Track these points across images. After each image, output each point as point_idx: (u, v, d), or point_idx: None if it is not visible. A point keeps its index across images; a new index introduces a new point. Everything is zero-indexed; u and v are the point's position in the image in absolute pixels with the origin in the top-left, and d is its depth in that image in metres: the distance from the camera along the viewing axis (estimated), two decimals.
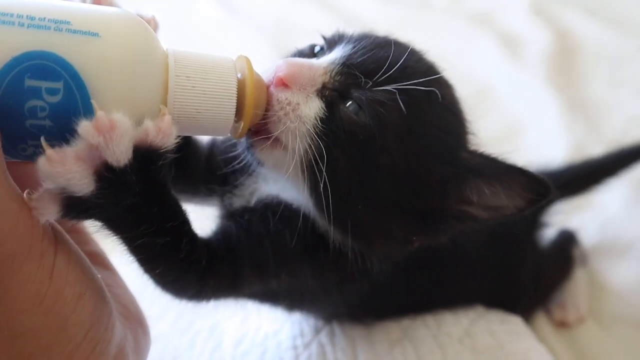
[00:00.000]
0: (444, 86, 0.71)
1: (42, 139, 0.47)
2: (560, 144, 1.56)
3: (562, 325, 1.12)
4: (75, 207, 0.50)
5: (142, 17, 0.54)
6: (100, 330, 0.52)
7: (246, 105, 0.57)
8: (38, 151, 0.49)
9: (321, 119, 0.64)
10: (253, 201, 0.76)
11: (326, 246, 0.70)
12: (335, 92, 0.65)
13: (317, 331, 0.98)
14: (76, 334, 0.50)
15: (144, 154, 0.51)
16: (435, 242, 0.72)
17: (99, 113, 0.47)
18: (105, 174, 0.49)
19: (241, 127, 0.59)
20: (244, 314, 1.03)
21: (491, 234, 0.98)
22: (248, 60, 0.59)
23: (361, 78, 0.65)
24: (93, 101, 0.48)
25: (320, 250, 0.71)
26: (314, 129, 0.63)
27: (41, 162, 0.47)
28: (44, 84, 0.47)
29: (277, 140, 0.64)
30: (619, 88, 1.79)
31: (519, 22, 2.11)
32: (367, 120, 0.64)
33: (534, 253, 1.13)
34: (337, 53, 0.68)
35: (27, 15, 0.47)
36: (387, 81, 0.64)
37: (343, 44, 0.70)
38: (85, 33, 0.48)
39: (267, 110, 0.63)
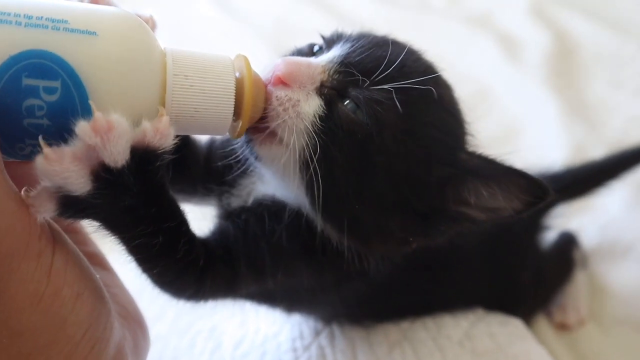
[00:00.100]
0: (442, 86, 0.71)
1: (40, 137, 0.47)
2: (560, 145, 1.56)
3: (562, 327, 1.12)
4: (71, 206, 0.50)
5: (140, 17, 0.54)
6: (99, 329, 0.52)
7: (244, 104, 0.57)
8: (36, 150, 0.49)
9: (320, 117, 0.64)
10: (250, 201, 0.76)
11: (323, 246, 0.70)
12: (333, 90, 0.65)
13: (316, 333, 0.98)
14: (74, 334, 0.50)
15: (142, 155, 0.51)
16: (432, 243, 0.72)
17: (97, 114, 0.47)
18: (102, 174, 0.50)
19: (239, 126, 0.59)
20: (243, 316, 1.03)
21: (491, 236, 0.98)
22: (246, 59, 0.59)
23: (359, 77, 0.65)
24: (91, 102, 0.48)
25: (317, 250, 0.71)
26: (313, 126, 0.63)
27: (39, 160, 0.47)
28: (42, 83, 0.47)
29: (274, 134, 0.64)
30: (618, 89, 1.79)
31: (517, 23, 2.11)
32: (364, 119, 0.64)
33: (535, 255, 1.12)
34: (335, 52, 0.68)
35: (24, 14, 0.47)
36: (385, 80, 0.64)
37: (341, 43, 0.70)
38: (82, 32, 0.48)
39: (265, 109, 0.63)
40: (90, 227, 0.55)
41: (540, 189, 0.64)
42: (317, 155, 0.63)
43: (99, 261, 0.66)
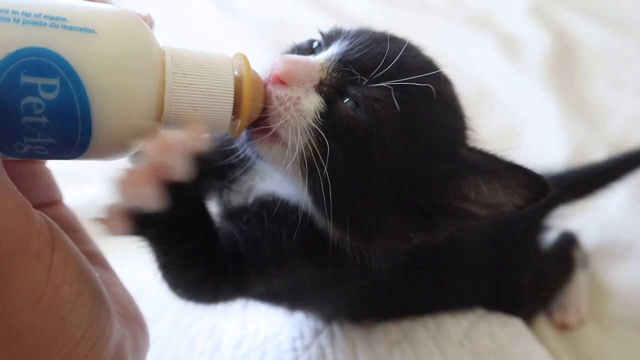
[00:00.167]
0: (442, 82, 0.71)
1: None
2: (560, 145, 1.56)
3: (562, 327, 1.11)
4: (142, 223, 0.54)
5: (138, 15, 0.54)
6: (99, 329, 0.52)
7: (244, 102, 0.57)
8: (34, 149, 0.49)
9: (321, 114, 0.64)
10: (250, 199, 0.76)
11: (324, 243, 0.70)
12: (332, 88, 0.65)
13: (317, 333, 0.98)
14: (74, 333, 0.50)
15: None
16: (433, 239, 0.72)
17: (168, 135, 0.50)
18: (173, 188, 0.53)
19: (239, 125, 0.59)
20: (243, 316, 1.03)
21: (492, 235, 0.98)
22: (245, 58, 0.58)
23: (357, 75, 0.65)
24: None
25: (318, 248, 0.71)
26: (314, 123, 0.63)
27: (121, 184, 0.50)
28: (40, 81, 0.46)
29: (276, 134, 0.64)
30: (618, 88, 1.79)
31: (518, 23, 2.11)
32: (364, 117, 0.64)
33: (535, 255, 1.12)
34: (334, 49, 0.68)
35: (22, 12, 0.47)
36: (384, 78, 0.64)
37: (340, 40, 0.70)
38: (81, 29, 0.48)
39: (264, 107, 0.62)
40: (137, 242, 0.59)
41: (541, 185, 0.64)
42: (319, 153, 0.63)
43: (98, 260, 0.65)
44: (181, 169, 0.52)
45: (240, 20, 2.18)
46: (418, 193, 0.67)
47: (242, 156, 0.71)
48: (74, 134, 0.49)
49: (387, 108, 0.64)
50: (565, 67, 1.88)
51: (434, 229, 0.70)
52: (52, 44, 0.47)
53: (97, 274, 0.55)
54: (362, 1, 2.29)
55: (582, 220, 1.32)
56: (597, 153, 1.49)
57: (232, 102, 0.56)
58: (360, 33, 0.71)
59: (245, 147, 0.69)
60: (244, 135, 0.66)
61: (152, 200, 0.52)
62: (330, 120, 0.64)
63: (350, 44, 0.68)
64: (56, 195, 0.66)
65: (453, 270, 0.97)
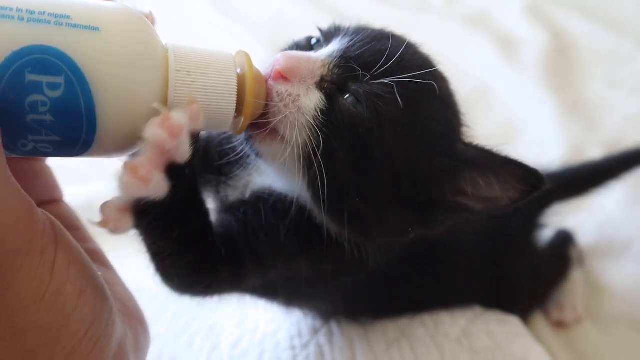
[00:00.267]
0: (439, 79, 0.71)
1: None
2: (557, 144, 1.57)
3: (559, 325, 1.12)
4: (143, 213, 0.53)
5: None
6: (101, 327, 0.52)
7: (246, 100, 0.57)
8: (38, 147, 0.49)
9: (321, 111, 0.64)
10: (248, 193, 0.76)
11: (322, 237, 0.70)
12: (333, 85, 0.66)
13: (315, 331, 0.98)
14: (77, 331, 0.50)
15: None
16: (430, 234, 0.73)
17: (172, 115, 0.50)
18: (174, 171, 0.53)
19: (241, 122, 0.59)
20: (241, 314, 1.03)
21: (489, 233, 0.98)
22: (247, 56, 0.59)
23: (359, 71, 0.65)
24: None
25: (316, 242, 0.71)
26: (314, 120, 0.64)
27: (125, 178, 0.50)
28: (45, 79, 0.46)
29: (275, 131, 0.64)
30: (615, 88, 1.79)
31: (514, 22, 2.11)
32: (365, 113, 0.64)
33: (532, 253, 1.13)
34: (335, 46, 0.68)
35: (26, 10, 0.47)
36: (384, 74, 0.64)
37: (340, 37, 0.70)
38: (85, 27, 0.48)
39: (266, 104, 0.63)
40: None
41: (536, 179, 0.65)
42: (319, 150, 0.63)
43: (99, 258, 0.65)
44: (184, 150, 0.52)
45: (237, 19, 2.18)
46: (417, 188, 0.68)
47: (240, 154, 0.71)
48: (79, 132, 0.49)
49: (388, 104, 0.64)
50: (562, 66, 1.89)
51: (431, 223, 0.71)
52: (56, 42, 0.47)
53: (99, 272, 0.55)
54: (359, 1, 2.29)
55: (579, 218, 1.33)
56: (594, 152, 1.49)
57: (235, 99, 0.56)
58: (360, 30, 0.71)
59: (244, 145, 0.69)
60: (243, 134, 0.67)
61: (158, 187, 0.52)
62: (331, 117, 0.64)
63: (351, 40, 0.68)
64: (57, 193, 0.66)
65: (450, 268, 0.97)
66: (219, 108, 0.56)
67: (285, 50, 0.73)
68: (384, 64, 0.65)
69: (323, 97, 0.65)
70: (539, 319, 1.14)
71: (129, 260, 0.64)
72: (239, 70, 0.57)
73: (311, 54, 0.68)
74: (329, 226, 0.70)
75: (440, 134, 0.69)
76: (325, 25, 0.75)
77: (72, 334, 0.50)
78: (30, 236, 0.46)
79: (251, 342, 0.98)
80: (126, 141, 0.52)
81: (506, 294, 1.05)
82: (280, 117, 0.63)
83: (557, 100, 1.72)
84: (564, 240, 1.23)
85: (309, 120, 0.64)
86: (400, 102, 0.64)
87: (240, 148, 0.70)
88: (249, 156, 0.71)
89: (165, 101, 0.52)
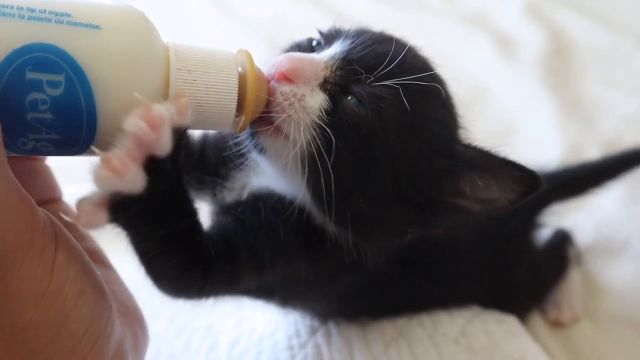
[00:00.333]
0: (438, 81, 0.72)
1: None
2: (555, 143, 1.57)
3: (557, 324, 1.12)
4: (119, 209, 0.51)
5: None
6: (101, 326, 0.52)
7: (247, 99, 0.57)
8: (38, 145, 0.49)
9: (325, 111, 0.64)
10: (245, 195, 0.76)
11: (321, 238, 0.71)
12: (336, 86, 0.66)
13: (313, 332, 0.98)
14: (77, 330, 0.50)
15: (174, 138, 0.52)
16: (429, 234, 0.73)
17: (153, 107, 0.48)
18: (152, 166, 0.51)
19: (242, 121, 0.59)
20: (239, 315, 1.03)
21: (487, 233, 0.99)
22: (249, 54, 0.59)
23: (361, 73, 0.65)
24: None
25: (315, 243, 0.72)
26: (319, 120, 0.64)
27: (99, 170, 0.48)
28: (45, 77, 0.46)
29: (279, 129, 0.64)
30: (613, 87, 1.80)
31: (513, 21, 2.12)
32: (368, 114, 0.64)
33: (529, 253, 1.13)
34: (337, 48, 0.69)
35: (27, 7, 0.46)
36: (386, 76, 0.65)
37: (342, 39, 0.70)
38: (86, 25, 0.48)
39: (268, 103, 0.63)
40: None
41: (533, 179, 0.66)
42: (323, 150, 0.63)
43: (99, 258, 0.65)
44: (164, 144, 0.50)
45: (236, 19, 2.17)
46: (417, 188, 0.68)
47: (242, 151, 0.71)
48: (79, 130, 0.49)
49: (390, 105, 0.65)
50: (560, 65, 1.89)
51: (430, 223, 0.71)
52: (57, 40, 0.47)
53: (98, 272, 0.55)
54: (358, 0, 2.29)
55: (577, 218, 1.33)
56: (592, 151, 1.50)
57: (237, 98, 0.56)
58: (361, 32, 0.71)
59: (247, 141, 0.69)
60: (246, 130, 0.66)
61: (134, 181, 0.50)
62: (335, 117, 0.64)
63: (353, 42, 0.68)
64: (56, 192, 0.66)
65: (448, 268, 0.98)
66: (220, 106, 0.56)
67: (287, 51, 0.73)
68: (385, 66, 0.65)
69: (327, 98, 0.65)
70: (536, 319, 1.14)
71: (126, 260, 0.64)
72: (240, 69, 0.57)
73: (314, 55, 0.68)
74: (329, 227, 0.70)
75: (439, 135, 0.70)
76: (325, 27, 0.75)
77: (72, 333, 0.49)
78: (30, 235, 0.46)
79: (249, 342, 0.98)
80: None
81: (504, 293, 1.06)
82: (284, 115, 0.63)
83: (555, 100, 1.72)
84: (562, 239, 1.24)
85: (313, 120, 0.64)
86: (404, 103, 0.64)
87: (244, 144, 0.70)
88: (250, 154, 0.71)
89: (166, 99, 0.52)
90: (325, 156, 0.63)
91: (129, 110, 0.49)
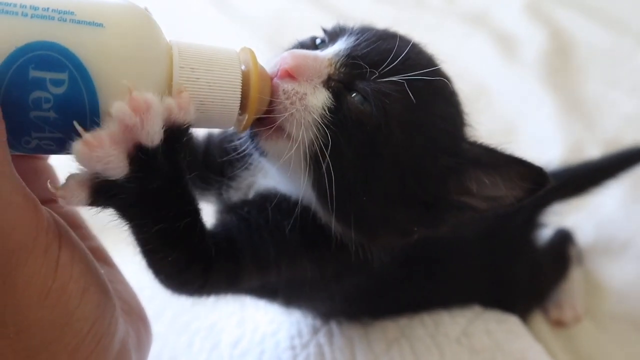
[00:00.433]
0: (443, 77, 0.72)
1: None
2: (555, 143, 1.57)
3: (558, 324, 1.12)
4: (102, 194, 0.51)
5: None
6: (104, 324, 0.52)
7: (251, 97, 0.57)
8: (42, 144, 0.49)
9: (329, 109, 0.64)
10: (251, 194, 0.76)
11: (326, 238, 0.70)
12: (340, 83, 0.66)
13: (315, 331, 0.98)
14: (81, 329, 0.50)
15: (170, 132, 0.52)
16: (435, 233, 0.73)
17: (136, 93, 0.48)
18: (139, 155, 0.50)
19: (245, 119, 0.59)
20: (241, 314, 1.03)
21: (488, 233, 0.98)
22: (252, 52, 0.58)
23: (366, 70, 0.65)
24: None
25: (320, 243, 0.71)
26: (321, 118, 0.64)
27: (77, 146, 0.47)
28: (49, 75, 0.46)
29: (281, 129, 0.64)
30: (613, 87, 1.79)
31: (514, 21, 2.12)
32: (373, 111, 0.64)
33: (531, 252, 1.13)
34: (341, 45, 0.68)
35: (30, 5, 0.46)
36: (391, 73, 0.65)
37: (345, 36, 0.70)
38: (89, 23, 0.48)
39: (271, 101, 0.62)
40: (108, 216, 0.55)
41: (540, 176, 0.66)
42: (326, 148, 0.63)
43: (101, 256, 0.65)
44: (151, 132, 0.50)
45: (236, 18, 2.17)
46: (422, 186, 0.68)
47: (244, 153, 0.71)
48: (83, 129, 0.49)
49: (395, 102, 0.64)
50: (561, 65, 1.89)
51: (436, 222, 0.71)
52: (60, 38, 0.47)
53: (102, 270, 0.55)
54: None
55: (578, 217, 1.33)
56: (593, 151, 1.50)
57: (240, 96, 0.56)
58: (365, 29, 0.71)
59: (248, 143, 0.69)
60: (247, 132, 0.66)
61: (114, 165, 0.49)
62: (339, 115, 0.64)
63: (357, 39, 0.68)
64: None
65: (450, 267, 0.97)
66: (223, 105, 0.56)
67: (290, 49, 0.73)
68: (390, 62, 0.65)
69: (330, 95, 0.65)
70: (538, 318, 1.14)
71: (127, 259, 0.64)
72: (243, 67, 0.57)
73: (318, 52, 0.68)
74: (334, 227, 0.69)
75: (445, 132, 0.69)
76: (327, 25, 0.75)
77: (76, 332, 0.50)
78: (34, 234, 0.46)
79: (251, 342, 0.98)
80: None
81: (506, 293, 1.05)
82: (287, 114, 0.63)
83: (556, 99, 1.72)
84: (563, 239, 1.23)
85: (315, 119, 0.63)
86: (410, 99, 0.64)
87: (245, 146, 0.70)
88: (252, 155, 0.71)
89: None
90: (329, 154, 0.63)
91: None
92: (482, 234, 0.98)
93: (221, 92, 0.55)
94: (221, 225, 0.73)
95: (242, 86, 0.56)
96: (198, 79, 0.54)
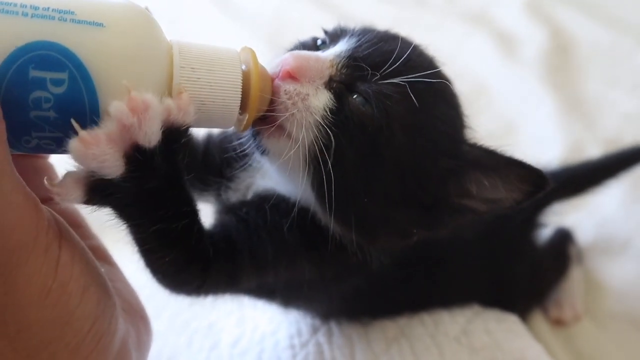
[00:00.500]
0: (444, 79, 0.72)
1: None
2: (555, 142, 1.57)
3: (558, 323, 1.12)
4: (98, 192, 0.51)
5: None
6: (105, 323, 0.52)
7: (251, 97, 0.57)
8: (42, 143, 0.49)
9: (330, 110, 0.64)
10: (249, 195, 0.76)
11: (325, 239, 0.70)
12: (342, 84, 0.65)
13: (314, 330, 0.98)
14: (81, 328, 0.50)
15: (168, 133, 0.52)
16: (435, 235, 0.73)
17: (134, 93, 0.48)
18: (136, 155, 0.50)
19: (246, 119, 0.59)
20: (241, 313, 1.03)
21: (488, 232, 0.98)
22: (253, 52, 0.58)
23: (368, 71, 0.65)
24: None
25: (318, 243, 0.71)
26: (323, 120, 0.63)
27: (74, 144, 0.47)
28: (49, 75, 0.46)
29: (282, 128, 0.64)
30: (614, 86, 1.79)
31: (514, 20, 2.12)
32: (374, 113, 0.64)
33: (531, 251, 1.13)
34: (342, 46, 0.68)
35: (30, 5, 0.46)
36: (392, 74, 0.64)
37: (347, 38, 0.70)
38: (89, 23, 0.48)
39: (272, 102, 0.62)
40: (107, 215, 0.55)
41: (540, 179, 0.66)
42: (327, 149, 0.63)
43: (102, 255, 0.65)
44: (149, 133, 0.50)
45: (236, 17, 2.17)
46: (423, 188, 0.68)
47: (244, 152, 0.71)
48: (82, 128, 0.49)
49: (397, 104, 0.64)
50: (561, 64, 1.89)
51: (436, 224, 0.71)
52: (60, 38, 0.47)
53: (102, 269, 0.55)
54: None
55: (578, 216, 1.33)
56: (593, 150, 1.50)
57: (240, 96, 0.56)
58: (366, 31, 0.71)
59: (249, 142, 0.69)
60: (248, 130, 0.66)
61: (109, 164, 0.49)
62: (341, 116, 0.64)
63: (359, 41, 0.68)
64: None
65: (449, 267, 0.97)
66: (224, 104, 0.56)
67: (291, 50, 0.73)
68: (391, 64, 0.65)
69: (332, 96, 0.65)
70: (538, 317, 1.14)
71: (127, 258, 0.64)
72: (244, 67, 0.57)
73: (320, 53, 0.68)
74: (333, 228, 0.69)
75: (445, 134, 0.69)
76: (328, 25, 0.75)
77: (76, 331, 0.50)
78: (35, 233, 0.46)
79: (251, 341, 0.98)
80: None
81: (505, 292, 1.05)
82: (288, 114, 0.62)
83: (556, 98, 1.72)
84: (563, 238, 1.23)
85: (317, 120, 0.63)
86: (411, 101, 0.64)
87: (246, 145, 0.70)
88: (253, 154, 0.71)
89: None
90: (329, 156, 0.63)
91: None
92: (481, 234, 0.98)
93: (222, 91, 0.55)
94: (220, 225, 0.73)
95: (242, 86, 0.56)
96: (199, 78, 0.54)
